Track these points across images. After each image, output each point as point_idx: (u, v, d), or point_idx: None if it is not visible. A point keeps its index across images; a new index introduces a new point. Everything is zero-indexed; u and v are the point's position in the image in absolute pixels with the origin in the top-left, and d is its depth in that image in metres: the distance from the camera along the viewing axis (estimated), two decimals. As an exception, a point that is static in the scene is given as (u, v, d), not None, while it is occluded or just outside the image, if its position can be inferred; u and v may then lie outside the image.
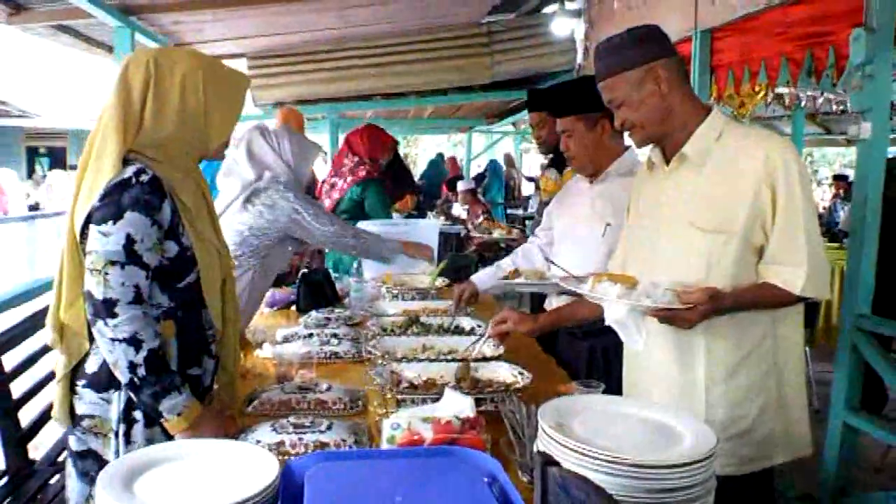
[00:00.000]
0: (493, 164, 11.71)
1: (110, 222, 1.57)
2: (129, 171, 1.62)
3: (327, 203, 4.12)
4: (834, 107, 7.39)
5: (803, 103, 7.08)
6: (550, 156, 3.42)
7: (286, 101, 6.23)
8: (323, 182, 4.42)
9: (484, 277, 2.69)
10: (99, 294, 1.56)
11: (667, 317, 1.57)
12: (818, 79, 3.34)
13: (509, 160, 12.34)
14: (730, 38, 3.81)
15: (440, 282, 3.27)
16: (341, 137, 8.04)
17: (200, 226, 1.74)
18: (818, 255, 1.61)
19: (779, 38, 3.46)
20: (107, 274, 1.56)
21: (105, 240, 1.57)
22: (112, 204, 1.58)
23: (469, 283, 2.68)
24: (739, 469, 1.67)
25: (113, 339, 1.56)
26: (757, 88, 4.46)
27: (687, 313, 1.55)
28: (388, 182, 4.16)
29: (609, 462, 1.16)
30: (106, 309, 1.56)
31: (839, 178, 10.92)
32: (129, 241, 1.58)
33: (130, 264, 1.58)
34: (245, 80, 1.88)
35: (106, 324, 1.56)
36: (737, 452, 1.67)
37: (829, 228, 7.75)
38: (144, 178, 1.61)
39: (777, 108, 7.49)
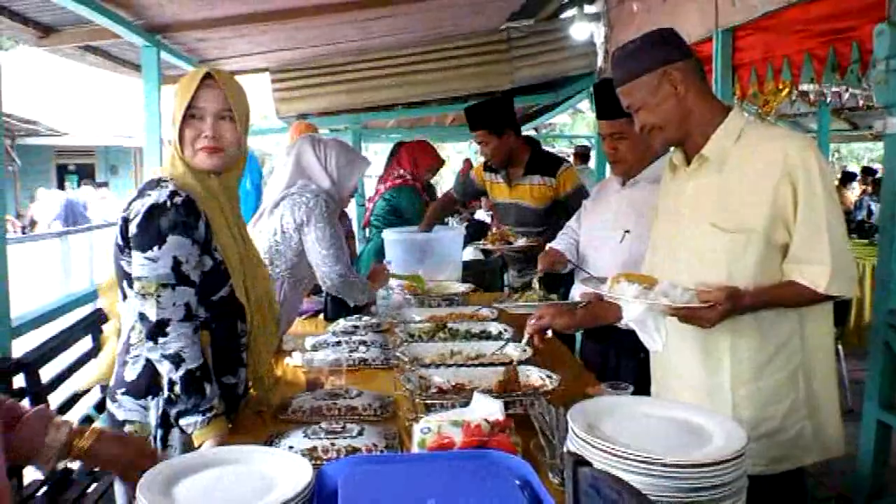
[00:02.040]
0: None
1: (155, 248, 1.64)
2: (164, 193, 1.67)
3: (368, 206, 4.40)
4: (860, 102, 7.29)
5: (828, 99, 7.00)
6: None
7: (309, 114, 6.29)
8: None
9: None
10: (153, 316, 1.64)
11: (686, 316, 1.57)
12: (842, 75, 3.30)
13: None
14: (751, 36, 3.79)
15: (465, 287, 3.28)
16: (363, 147, 8.12)
17: (227, 239, 1.79)
18: (842, 252, 1.60)
19: (801, 35, 3.43)
20: (160, 297, 1.64)
21: (154, 265, 1.64)
22: (152, 229, 1.64)
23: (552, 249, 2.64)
24: (769, 469, 1.66)
25: (161, 355, 1.65)
26: (781, 86, 4.41)
27: (706, 312, 1.55)
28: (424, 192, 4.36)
29: (640, 462, 1.17)
30: (159, 329, 1.64)
31: (867, 172, 10.70)
32: (177, 264, 1.65)
33: (180, 285, 1.66)
34: (193, 75, 1.84)
35: (156, 342, 1.65)
36: (766, 453, 1.66)
37: (860, 224, 7.61)
38: (178, 199, 1.67)
39: (802, 105, 7.41)
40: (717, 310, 1.54)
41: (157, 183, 1.71)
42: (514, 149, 3.33)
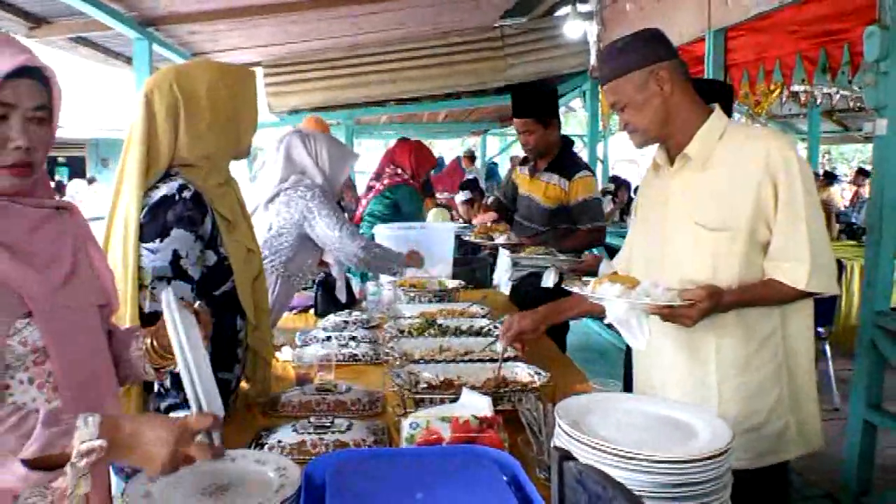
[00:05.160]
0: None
1: (157, 240, 1.64)
2: (174, 186, 1.67)
3: (363, 203, 4.39)
4: (850, 104, 7.33)
5: (819, 101, 7.04)
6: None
7: (301, 109, 6.28)
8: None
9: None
10: (146, 307, 1.63)
11: (668, 314, 1.58)
12: (833, 76, 3.34)
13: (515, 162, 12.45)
14: (743, 37, 3.81)
15: (456, 283, 3.29)
16: (356, 143, 8.12)
17: (237, 233, 1.79)
18: (822, 249, 1.62)
19: (793, 37, 3.46)
20: (153, 289, 1.63)
21: (153, 256, 1.64)
22: (158, 222, 1.64)
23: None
24: (753, 463, 1.68)
25: None
26: (772, 87, 4.45)
27: (687, 310, 1.56)
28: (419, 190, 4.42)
29: (626, 457, 1.17)
30: (150, 322, 1.61)
31: (862, 173, 10.70)
32: (176, 258, 1.64)
33: (176, 279, 1.65)
34: (251, 73, 1.90)
35: None
36: (751, 447, 1.67)
37: (850, 226, 7.66)
38: (187, 194, 1.66)
39: (793, 106, 7.45)
40: (697, 308, 1.56)
41: (168, 175, 1.70)
42: (553, 143, 3.26)
